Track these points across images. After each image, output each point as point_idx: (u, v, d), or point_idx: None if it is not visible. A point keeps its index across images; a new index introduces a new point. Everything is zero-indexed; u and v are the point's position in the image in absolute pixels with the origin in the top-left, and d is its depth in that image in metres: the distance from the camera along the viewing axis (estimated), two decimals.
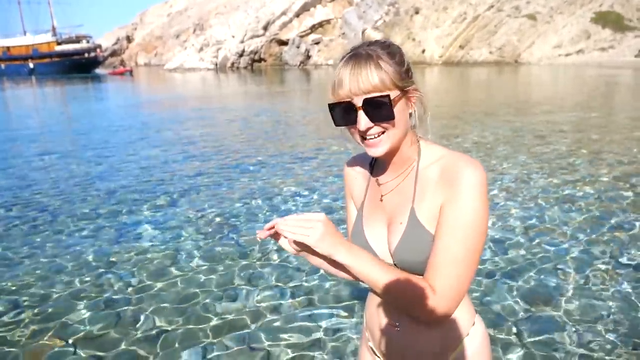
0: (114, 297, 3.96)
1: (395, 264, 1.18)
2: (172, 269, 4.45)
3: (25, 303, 3.90)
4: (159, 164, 8.82)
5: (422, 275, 1.13)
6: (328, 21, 72.75)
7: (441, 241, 1.07)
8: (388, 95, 1.06)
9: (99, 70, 72.76)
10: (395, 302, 1.15)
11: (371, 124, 1.08)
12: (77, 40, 75.61)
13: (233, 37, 71.33)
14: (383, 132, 1.10)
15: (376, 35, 1.15)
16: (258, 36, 71.08)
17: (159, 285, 4.15)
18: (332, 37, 70.23)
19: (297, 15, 73.09)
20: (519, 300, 3.71)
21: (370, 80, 1.05)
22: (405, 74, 1.10)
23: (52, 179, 7.89)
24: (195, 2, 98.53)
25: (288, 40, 70.13)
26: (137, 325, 3.53)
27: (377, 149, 1.12)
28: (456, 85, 29.80)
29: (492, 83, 30.99)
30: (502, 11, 59.84)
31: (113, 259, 4.70)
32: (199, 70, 66.50)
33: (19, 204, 6.57)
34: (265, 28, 71.66)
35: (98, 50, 75.39)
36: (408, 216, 1.14)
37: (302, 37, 70.65)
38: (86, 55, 72.33)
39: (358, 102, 1.06)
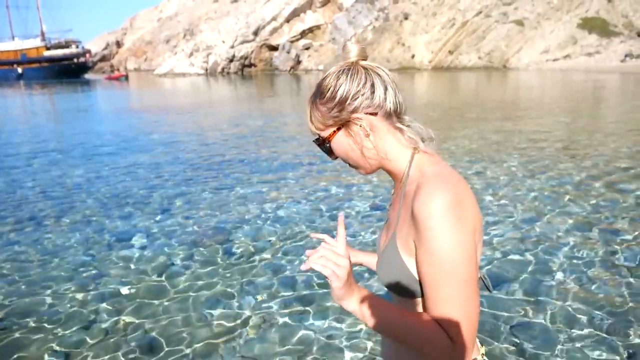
0: (103, 306, 3.93)
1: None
2: (164, 278, 4.42)
3: (12, 312, 3.86)
4: (151, 170, 8.76)
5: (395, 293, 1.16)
6: (318, 26, 72.99)
7: (430, 289, 1.03)
8: (319, 136, 1.20)
9: (89, 76, 72.29)
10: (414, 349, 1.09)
11: (332, 158, 1.23)
12: (66, 45, 75.05)
13: (223, 42, 71.30)
14: (351, 163, 1.20)
15: (353, 49, 1.16)
16: (248, 41, 71.13)
17: (150, 294, 4.12)
18: (322, 43, 70.47)
19: (287, 20, 73.26)
20: (514, 307, 3.73)
21: (309, 126, 1.21)
22: (337, 109, 1.14)
23: (40, 185, 7.82)
24: (185, 7, 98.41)
25: (278, 45, 70.25)
26: (128, 336, 3.50)
27: (359, 172, 1.23)
28: (446, 90, 30.02)
29: (481, 88, 31.26)
30: (490, 17, 60.54)
31: (103, 267, 4.66)
32: (189, 75, 66.33)
33: (4, 210, 6.49)
34: (256, 33, 71.73)
35: (87, 55, 74.86)
36: (390, 238, 1.15)
37: (292, 42, 70.82)
38: (75, 60, 71.80)
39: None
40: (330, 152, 1.21)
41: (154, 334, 3.53)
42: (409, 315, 1.07)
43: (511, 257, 4.63)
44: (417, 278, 1.07)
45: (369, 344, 3.30)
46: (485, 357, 1.25)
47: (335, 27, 68.49)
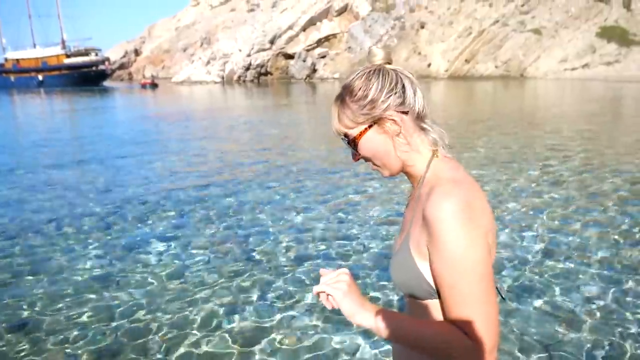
0: (121, 312, 3.90)
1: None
2: (182, 284, 4.39)
3: (31, 318, 3.85)
4: (168, 175, 8.79)
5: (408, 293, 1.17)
6: (334, 35, 73.26)
7: (446, 291, 1.04)
8: (347, 134, 1.20)
9: (107, 83, 73.38)
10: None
11: (355, 159, 1.23)
12: (86, 53, 76.29)
13: (240, 50, 71.93)
14: (375, 163, 1.21)
15: (379, 53, 1.19)
16: (264, 50, 71.64)
17: (169, 300, 4.08)
18: (338, 51, 70.68)
19: (304, 29, 73.68)
20: (540, 321, 3.61)
21: (335, 124, 1.21)
22: (369, 105, 1.15)
23: (59, 191, 7.87)
24: (202, 16, 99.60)
25: (294, 54, 70.64)
26: (147, 343, 3.46)
27: (382, 173, 1.24)
28: (463, 99, 29.80)
29: (499, 97, 30.98)
30: (507, 26, 60.15)
31: (121, 273, 4.64)
32: (205, 83, 66.97)
33: (23, 216, 6.54)
34: (272, 42, 72.24)
35: (106, 63, 75.97)
36: (403, 239, 1.18)
37: (308, 50, 71.15)
38: (94, 68, 72.94)
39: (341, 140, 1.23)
40: (357, 150, 1.21)
41: (172, 340, 3.48)
42: (423, 323, 1.08)
43: (533, 269, 4.50)
44: (429, 280, 1.08)
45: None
46: None
47: (352, 36, 68.67)
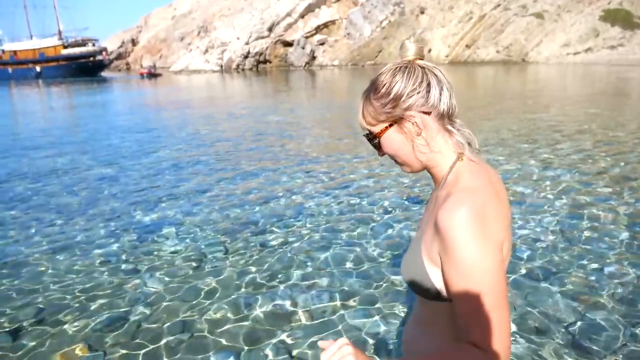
0: (136, 299, 3.80)
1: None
2: (196, 272, 4.28)
3: (45, 305, 3.75)
4: (175, 163, 8.67)
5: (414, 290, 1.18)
6: (333, 22, 72.60)
7: (458, 300, 1.03)
8: (370, 132, 1.20)
9: (105, 74, 72.91)
10: None
11: (380, 154, 1.23)
12: (83, 43, 75.67)
13: (238, 38, 71.33)
14: (398, 160, 1.21)
15: (411, 47, 1.16)
16: (263, 37, 71.03)
17: (184, 288, 3.98)
18: (337, 38, 70.10)
19: (302, 16, 72.99)
20: (565, 300, 3.51)
21: (361, 121, 1.21)
22: (391, 105, 1.13)
23: (69, 180, 7.75)
24: (199, 4, 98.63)
25: (293, 41, 70.05)
26: (163, 329, 3.36)
27: (404, 170, 1.24)
28: (465, 83, 29.59)
29: (501, 81, 30.75)
30: (509, 10, 59.59)
31: (135, 261, 4.54)
32: (204, 72, 66.52)
33: (33, 204, 6.42)
34: (270, 29, 71.61)
35: (104, 53, 75.41)
36: (417, 238, 1.19)
37: (307, 38, 70.56)
38: (92, 58, 72.42)
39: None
40: (379, 147, 1.21)
41: (189, 327, 3.38)
42: (434, 356, 1.08)
43: (553, 251, 4.39)
44: (435, 284, 1.09)
45: None
46: None
47: (350, 22, 68.05)
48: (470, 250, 1.00)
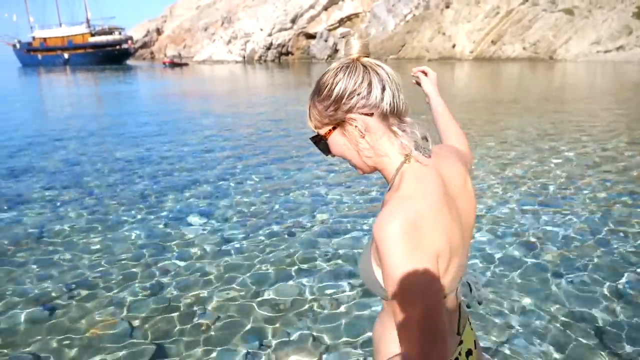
0: (164, 283, 3.90)
1: None
2: (221, 257, 4.38)
3: (78, 280, 3.88)
4: (200, 151, 8.80)
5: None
6: (357, 15, 72.15)
7: (392, 307, 1.00)
8: (316, 135, 1.18)
9: (130, 62, 73.84)
10: None
11: (327, 155, 1.20)
12: (110, 32, 76.78)
13: (261, 30, 71.45)
14: (349, 161, 1.19)
15: (355, 45, 1.12)
16: (286, 29, 71.01)
17: (211, 272, 4.08)
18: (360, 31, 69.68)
19: (326, 8, 72.71)
20: (615, 301, 3.50)
21: (308, 121, 1.19)
22: (333, 106, 1.10)
23: (97, 164, 7.94)
24: None
25: (316, 33, 69.87)
26: (191, 313, 3.46)
27: (357, 171, 1.22)
28: (490, 81, 29.18)
29: (528, 79, 30.23)
30: (537, 5, 58.35)
31: (162, 245, 4.65)
32: (227, 62, 66.84)
33: (65, 188, 6.61)
34: (293, 21, 71.53)
35: (129, 42, 76.42)
36: (370, 241, 1.13)
37: (330, 30, 70.30)
38: (118, 47, 73.44)
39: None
40: (326, 150, 1.18)
41: (215, 311, 3.47)
42: None
43: (587, 250, 4.36)
44: (382, 284, 1.05)
45: None
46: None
47: (374, 15, 67.56)
48: (400, 264, 0.95)
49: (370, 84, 1.07)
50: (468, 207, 1.17)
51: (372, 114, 1.08)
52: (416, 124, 1.13)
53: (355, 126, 1.09)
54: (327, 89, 1.11)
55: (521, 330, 3.14)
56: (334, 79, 1.10)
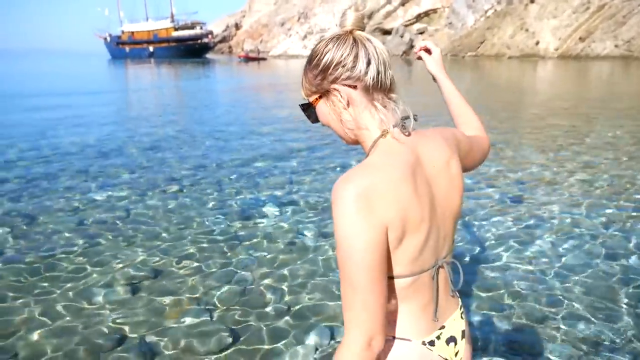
0: (241, 271, 3.98)
1: None
2: (297, 247, 4.40)
3: (158, 263, 4.05)
4: (274, 143, 8.94)
5: None
6: (435, 10, 70.43)
7: (339, 275, 1.04)
8: (306, 102, 1.21)
9: (209, 56, 76.83)
10: None
11: (314, 123, 1.23)
12: (192, 26, 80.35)
13: (337, 25, 71.28)
14: (333, 131, 1.21)
15: (350, 16, 1.12)
16: None
17: (286, 261, 4.11)
18: (437, 27, 67.97)
19: (403, 4, 71.60)
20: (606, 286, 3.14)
21: (301, 90, 1.22)
22: (320, 76, 1.13)
23: (179, 151, 8.30)
24: None
25: (392, 29, 68.99)
26: (266, 301, 3.49)
27: (343, 142, 1.24)
28: (578, 80, 27.37)
29: (620, 79, 28.03)
30: (633, 0, 53.91)
31: (238, 234, 4.75)
32: (301, 57, 67.72)
33: (148, 169, 6.96)
34: (370, 17, 71.00)
35: (210, 36, 79.55)
36: None
37: (406, 26, 69.17)
38: (199, 41, 76.67)
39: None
40: (314, 117, 1.22)
41: (291, 299, 3.49)
42: None
43: None
44: None
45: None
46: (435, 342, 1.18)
47: (453, 11, 65.55)
48: (347, 229, 0.98)
49: (356, 57, 1.08)
50: (449, 190, 1.16)
51: (355, 87, 1.11)
52: (401, 101, 1.14)
53: (339, 97, 1.12)
54: (316, 59, 1.13)
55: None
56: (323, 49, 1.12)
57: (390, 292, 1.07)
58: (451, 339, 1.20)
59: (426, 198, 1.08)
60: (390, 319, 1.11)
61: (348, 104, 1.12)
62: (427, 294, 1.14)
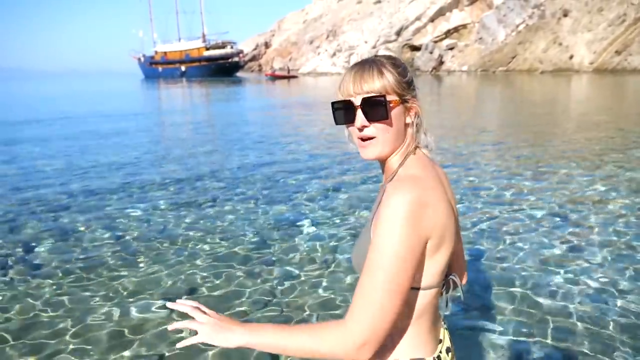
0: (274, 285, 3.87)
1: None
2: (329, 264, 4.27)
3: (193, 281, 3.99)
4: (307, 158, 8.89)
5: None
6: (464, 26, 70.03)
7: (362, 273, 1.04)
8: (384, 97, 1.13)
9: (240, 74, 78.18)
10: (316, 355, 1.04)
11: (367, 123, 1.14)
12: (223, 45, 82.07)
13: (365, 42, 72.05)
14: (376, 136, 1.16)
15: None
16: (390, 41, 70.90)
17: (321, 275, 3.99)
18: (467, 43, 67.48)
19: (432, 20, 71.48)
20: None
21: (371, 82, 1.14)
22: (406, 85, 1.18)
23: (214, 165, 8.34)
24: (330, 9, 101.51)
25: (421, 45, 68.88)
26: (298, 320, 3.37)
27: (367, 151, 1.18)
28: (618, 95, 26.56)
29: None
30: None
31: (276, 245, 4.67)
32: (330, 74, 68.23)
33: (183, 185, 6.98)
34: (398, 33, 71.23)
35: (240, 55, 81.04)
36: (366, 229, 1.18)
37: (435, 42, 68.93)
38: (230, 60, 78.19)
39: (357, 101, 1.15)
40: (381, 115, 1.13)
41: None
42: (298, 326, 1.10)
43: None
44: None
45: None
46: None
47: (483, 26, 65.03)
48: (390, 232, 1.01)
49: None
50: (449, 205, 1.17)
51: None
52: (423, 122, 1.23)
53: (416, 111, 1.19)
54: (403, 68, 1.19)
55: None
56: (406, 66, 1.21)
57: (409, 309, 1.09)
58: (448, 350, 1.24)
59: (452, 213, 1.14)
60: (404, 341, 1.13)
61: (419, 120, 1.20)
62: (437, 309, 1.20)
